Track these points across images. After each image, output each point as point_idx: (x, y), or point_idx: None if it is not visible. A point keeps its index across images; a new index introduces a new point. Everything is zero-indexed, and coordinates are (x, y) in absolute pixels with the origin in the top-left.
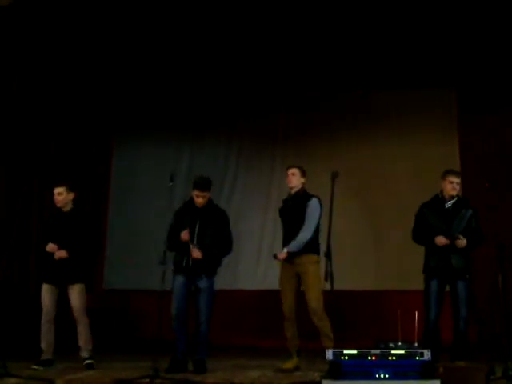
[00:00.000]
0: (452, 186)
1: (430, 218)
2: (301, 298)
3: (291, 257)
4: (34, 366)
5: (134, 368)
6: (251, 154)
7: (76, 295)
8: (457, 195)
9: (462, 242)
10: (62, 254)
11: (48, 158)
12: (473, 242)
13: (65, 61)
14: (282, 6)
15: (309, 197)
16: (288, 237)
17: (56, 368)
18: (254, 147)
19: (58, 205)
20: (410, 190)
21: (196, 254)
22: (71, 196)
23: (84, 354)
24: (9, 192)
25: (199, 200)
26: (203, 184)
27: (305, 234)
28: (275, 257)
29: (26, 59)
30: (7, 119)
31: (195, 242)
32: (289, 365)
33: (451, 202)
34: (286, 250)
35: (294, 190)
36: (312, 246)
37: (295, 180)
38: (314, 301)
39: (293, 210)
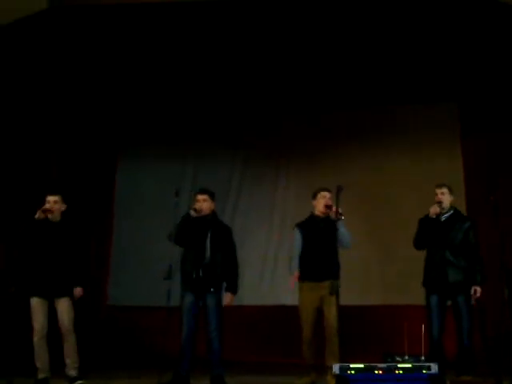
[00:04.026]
0: (437, 198)
1: (427, 231)
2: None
3: (320, 279)
4: None
5: (139, 383)
6: (255, 170)
7: (66, 309)
8: (453, 208)
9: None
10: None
11: (52, 174)
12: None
13: (68, 77)
14: (286, 23)
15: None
16: (317, 257)
17: None
18: (258, 162)
19: (54, 214)
20: (415, 205)
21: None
22: (63, 207)
23: (71, 372)
24: (11, 206)
25: (198, 204)
26: (203, 188)
27: (349, 239)
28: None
29: (30, 76)
30: (11, 135)
31: (209, 255)
32: (305, 380)
33: (447, 214)
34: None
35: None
36: (336, 271)
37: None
38: (335, 318)
39: (325, 233)
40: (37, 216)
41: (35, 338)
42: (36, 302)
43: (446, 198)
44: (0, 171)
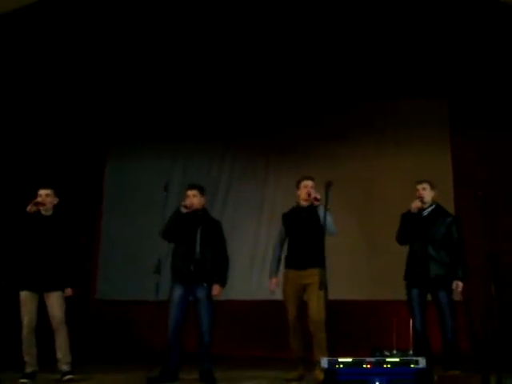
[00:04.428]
0: (418, 193)
1: (409, 226)
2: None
3: (303, 267)
4: (22, 380)
5: (127, 378)
6: (245, 164)
7: (57, 303)
8: (435, 203)
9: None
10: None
11: (40, 168)
12: (458, 265)
13: (59, 72)
14: (278, 21)
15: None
16: (300, 246)
17: (48, 378)
18: (247, 157)
19: (45, 206)
20: (404, 200)
21: (217, 291)
22: (55, 201)
23: (64, 367)
24: (1, 201)
25: (188, 200)
26: (192, 184)
27: (333, 226)
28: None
29: (19, 69)
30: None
31: (199, 250)
32: (293, 375)
33: (429, 209)
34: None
35: (307, 203)
36: (320, 260)
37: (314, 192)
38: (323, 312)
39: (308, 222)
40: (28, 209)
41: (24, 332)
42: (26, 296)
43: (427, 193)
44: None
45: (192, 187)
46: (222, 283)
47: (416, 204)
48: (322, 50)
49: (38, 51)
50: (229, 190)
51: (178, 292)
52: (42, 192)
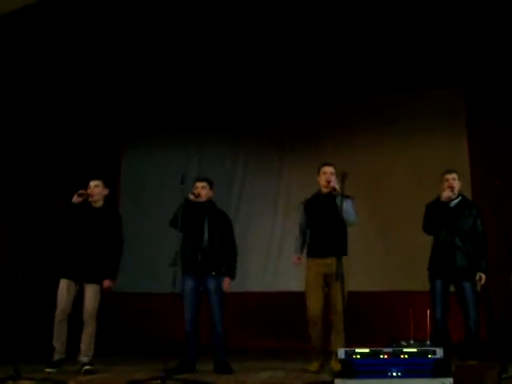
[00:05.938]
0: (448, 183)
1: (436, 216)
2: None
3: (321, 255)
4: (48, 370)
5: (145, 370)
6: (259, 157)
7: (91, 296)
8: (460, 194)
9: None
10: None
11: (56, 162)
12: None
13: (71, 67)
14: (288, 11)
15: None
16: (321, 233)
17: (67, 370)
18: (261, 149)
19: (94, 198)
20: (419, 192)
21: (226, 285)
22: (105, 192)
23: (84, 359)
24: (16, 197)
25: (197, 191)
26: (201, 176)
27: (353, 216)
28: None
29: (31, 66)
30: (16, 125)
31: (207, 238)
32: (315, 366)
33: (456, 201)
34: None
35: (327, 190)
36: (342, 248)
37: (334, 181)
38: (341, 304)
39: (327, 209)
40: (74, 199)
41: (56, 319)
42: (65, 283)
43: (456, 183)
44: (4, 162)
45: (202, 179)
46: (232, 276)
47: (448, 193)
48: (335, 43)
49: (51, 48)
50: (244, 183)
51: (189, 284)
52: (91, 183)
